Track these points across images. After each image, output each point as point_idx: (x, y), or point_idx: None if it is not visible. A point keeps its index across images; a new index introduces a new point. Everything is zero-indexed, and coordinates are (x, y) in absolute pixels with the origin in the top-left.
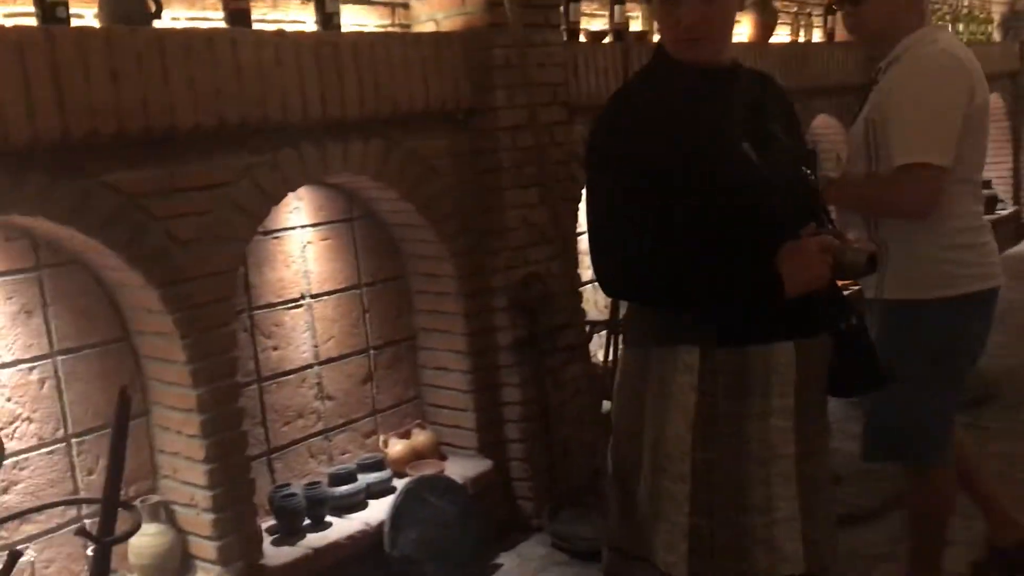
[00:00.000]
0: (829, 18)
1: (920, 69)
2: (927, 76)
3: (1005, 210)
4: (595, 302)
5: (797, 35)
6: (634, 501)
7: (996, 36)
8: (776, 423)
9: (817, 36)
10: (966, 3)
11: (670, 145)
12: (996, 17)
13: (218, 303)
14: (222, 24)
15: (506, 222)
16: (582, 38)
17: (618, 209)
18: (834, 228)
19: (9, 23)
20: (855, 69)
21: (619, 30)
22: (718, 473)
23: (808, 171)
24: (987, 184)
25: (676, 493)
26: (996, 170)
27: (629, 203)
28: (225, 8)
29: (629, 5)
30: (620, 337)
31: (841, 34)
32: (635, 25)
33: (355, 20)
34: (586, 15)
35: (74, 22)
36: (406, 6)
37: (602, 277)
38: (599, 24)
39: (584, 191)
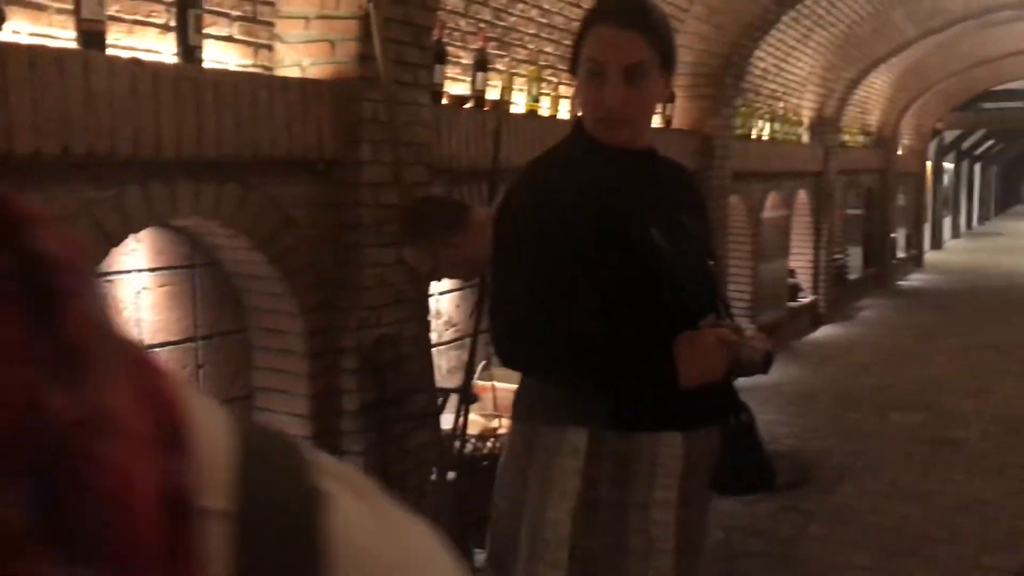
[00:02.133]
0: (668, 105)
1: None
2: None
3: (806, 299)
4: (440, 367)
5: None
6: None
7: (805, 138)
8: (658, 515)
9: (656, 121)
10: (782, 105)
11: (581, 223)
12: (805, 121)
13: None
14: (73, 44)
15: (362, 280)
16: (444, 101)
17: (524, 278)
18: (733, 322)
19: None
20: (691, 156)
21: (479, 96)
22: (596, 564)
23: (712, 262)
24: (791, 274)
25: None
26: (798, 261)
27: (536, 274)
28: (78, 28)
29: (490, 73)
30: (469, 405)
31: (679, 121)
32: (493, 93)
33: (215, 56)
34: (449, 78)
35: None
36: (270, 48)
37: (498, 344)
38: (460, 88)
39: (492, 255)
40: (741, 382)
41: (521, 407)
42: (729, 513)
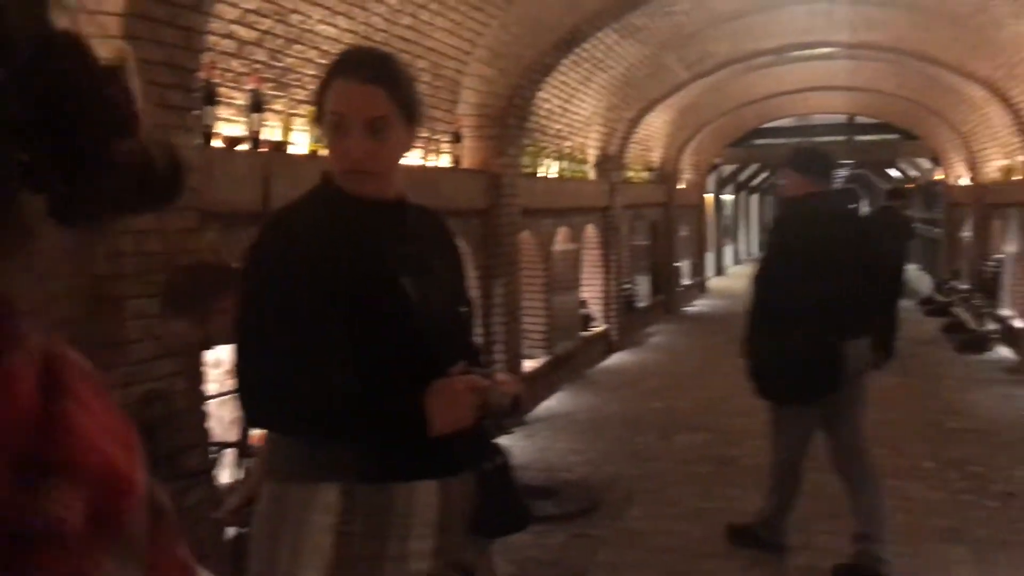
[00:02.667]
0: (455, 145)
1: None
2: None
3: (598, 328)
4: (221, 418)
5: (426, 159)
6: None
7: (592, 175)
8: (415, 566)
9: (444, 161)
10: (568, 144)
11: (326, 273)
12: (591, 158)
13: None
14: None
15: (127, 333)
16: (218, 143)
17: (265, 330)
18: (483, 368)
19: None
20: (479, 194)
21: (255, 137)
22: None
23: (464, 308)
24: (583, 304)
25: None
26: (590, 292)
27: (279, 325)
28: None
29: (268, 114)
30: (247, 459)
31: (467, 161)
32: (270, 133)
33: None
34: (223, 119)
35: None
36: None
37: (243, 402)
38: (236, 130)
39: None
40: (552, 417)
41: (272, 464)
42: (520, 546)
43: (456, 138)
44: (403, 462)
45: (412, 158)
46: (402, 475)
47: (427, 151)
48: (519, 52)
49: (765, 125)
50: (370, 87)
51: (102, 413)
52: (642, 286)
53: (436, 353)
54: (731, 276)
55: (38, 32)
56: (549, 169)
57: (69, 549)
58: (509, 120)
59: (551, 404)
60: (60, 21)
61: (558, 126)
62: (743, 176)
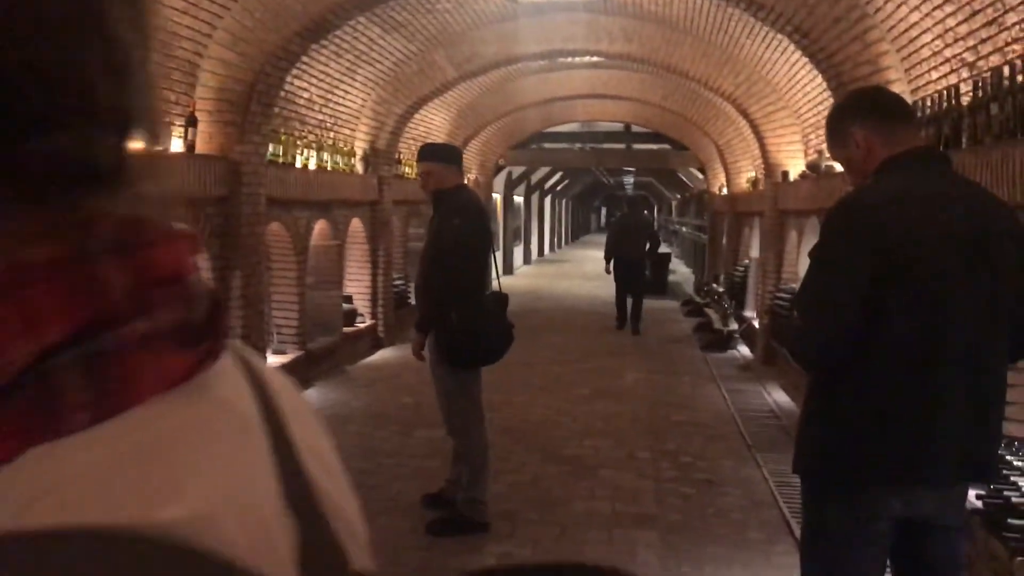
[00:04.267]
0: (191, 129)
1: None
2: None
3: (364, 323)
4: None
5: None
6: None
7: (359, 168)
8: None
9: (177, 146)
10: (332, 135)
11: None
12: (359, 152)
13: None
14: None
15: None
16: None
17: None
18: None
19: None
20: (216, 182)
21: None
22: None
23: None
24: (348, 299)
25: None
26: (356, 287)
27: None
28: None
29: None
30: None
31: (203, 146)
32: None
33: None
34: None
35: None
36: None
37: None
38: None
39: None
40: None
41: None
42: None
43: (191, 122)
44: None
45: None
46: None
47: None
48: (262, 37)
49: (550, 129)
50: None
51: None
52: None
53: None
54: (518, 276)
55: None
56: (308, 160)
57: None
58: (252, 106)
59: None
60: None
61: (320, 116)
62: (535, 178)
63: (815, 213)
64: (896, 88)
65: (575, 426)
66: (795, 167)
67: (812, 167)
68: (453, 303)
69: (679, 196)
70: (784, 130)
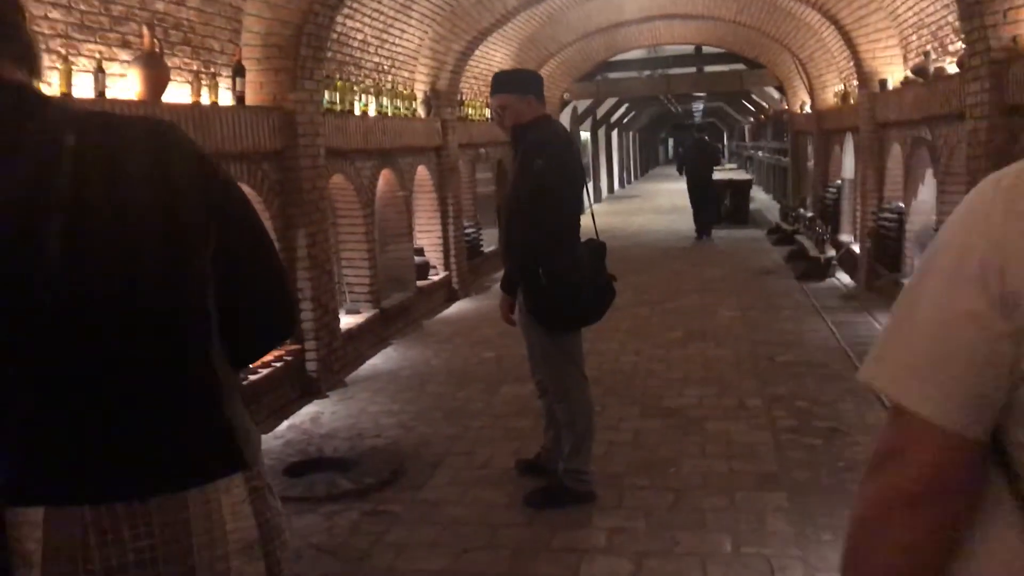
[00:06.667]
0: (238, 80)
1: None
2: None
3: (437, 276)
4: None
5: (199, 95)
6: None
7: (421, 112)
8: None
9: (226, 99)
10: (390, 79)
11: None
12: (419, 95)
13: None
14: None
15: None
16: None
17: None
18: None
19: None
20: (270, 135)
21: None
22: None
23: None
24: (419, 252)
25: None
26: (427, 239)
27: None
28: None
29: None
30: None
31: (254, 97)
32: None
33: None
34: None
35: None
36: None
37: None
38: None
39: None
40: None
41: None
42: (305, 529)
43: (238, 71)
44: None
45: (179, 95)
46: None
47: (195, 85)
48: None
49: (615, 58)
50: None
51: None
52: (488, 230)
53: None
54: (589, 214)
55: None
56: (367, 106)
57: None
58: (302, 50)
59: (376, 362)
60: None
61: (376, 59)
62: (601, 112)
63: (924, 123)
64: None
65: (672, 374)
66: (894, 75)
67: (919, 71)
68: (542, 258)
69: (752, 120)
70: (879, 34)
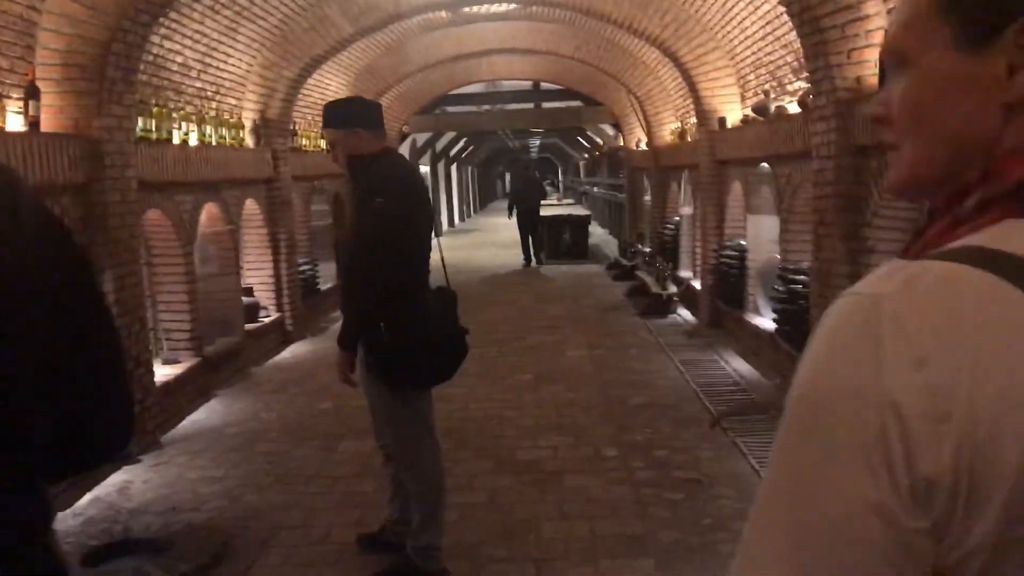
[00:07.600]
0: (32, 103)
1: None
2: None
3: (269, 317)
4: None
5: None
6: None
7: (249, 142)
8: None
9: (16, 123)
10: (215, 106)
11: None
12: (248, 123)
13: None
14: None
15: None
16: None
17: None
18: None
19: None
20: (71, 165)
21: None
22: None
23: None
24: (248, 292)
25: None
26: (257, 277)
27: None
28: None
29: None
30: None
31: (52, 123)
32: None
33: None
34: None
35: None
36: None
37: None
38: None
39: None
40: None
41: None
42: None
43: (31, 93)
44: None
45: None
46: None
47: None
48: None
49: (455, 91)
50: None
51: None
52: (326, 266)
53: None
54: (438, 251)
55: None
56: (188, 135)
57: None
58: (109, 71)
59: (198, 417)
60: None
61: (199, 84)
62: (440, 145)
63: (766, 160)
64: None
65: (525, 421)
66: (732, 113)
67: (759, 110)
68: (385, 309)
69: (587, 156)
70: (718, 72)
